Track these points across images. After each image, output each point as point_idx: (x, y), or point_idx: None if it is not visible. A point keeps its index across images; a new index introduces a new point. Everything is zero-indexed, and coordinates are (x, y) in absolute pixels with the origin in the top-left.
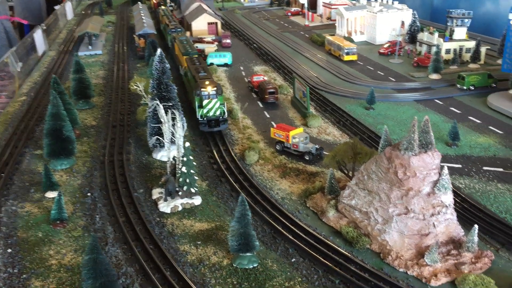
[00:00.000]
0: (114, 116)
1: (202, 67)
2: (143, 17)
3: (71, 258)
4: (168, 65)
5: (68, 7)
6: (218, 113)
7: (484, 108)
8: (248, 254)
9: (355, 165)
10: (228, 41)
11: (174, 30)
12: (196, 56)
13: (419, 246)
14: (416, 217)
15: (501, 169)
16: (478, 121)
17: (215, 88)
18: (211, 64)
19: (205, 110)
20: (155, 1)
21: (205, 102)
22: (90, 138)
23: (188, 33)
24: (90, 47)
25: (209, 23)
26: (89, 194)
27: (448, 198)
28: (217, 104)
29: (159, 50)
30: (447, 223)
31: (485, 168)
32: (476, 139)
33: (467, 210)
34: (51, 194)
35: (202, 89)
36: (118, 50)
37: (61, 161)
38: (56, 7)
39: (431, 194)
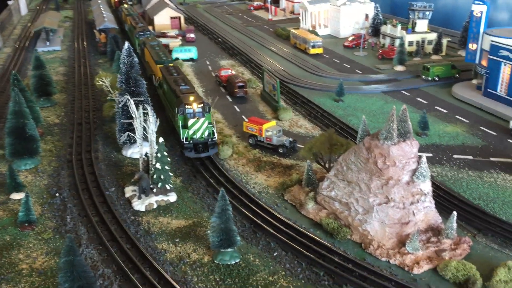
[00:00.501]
0: (78, 114)
1: (182, 78)
2: (103, 12)
3: (42, 262)
4: (136, 59)
5: (22, 2)
6: (206, 134)
7: (449, 98)
8: (230, 249)
9: (331, 156)
10: (192, 35)
11: (142, 33)
12: (172, 64)
13: (400, 234)
14: (397, 206)
15: (470, 157)
16: (445, 111)
17: (202, 105)
18: (177, 59)
19: (190, 132)
20: None
21: (190, 122)
22: (54, 137)
23: (150, 28)
24: (48, 43)
25: (171, 18)
26: (57, 194)
27: (426, 186)
28: (205, 124)
29: (126, 43)
30: (426, 211)
31: (455, 156)
32: (444, 128)
33: (442, 198)
34: (17, 196)
35: (186, 106)
36: (78, 46)
37: (25, 161)
38: (10, 2)
39: (410, 182)
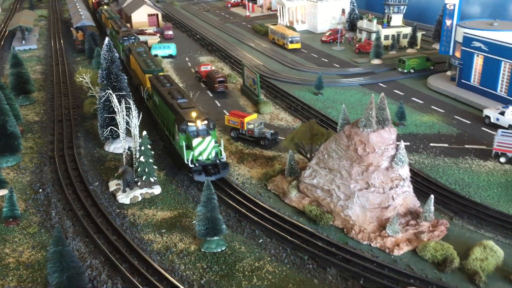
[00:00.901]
0: (58, 111)
1: (177, 90)
2: (80, 10)
3: (29, 255)
4: (117, 54)
5: None
6: (213, 155)
7: (424, 89)
8: (216, 238)
9: (312, 146)
10: (170, 32)
11: (126, 38)
12: (163, 73)
13: (380, 218)
14: (377, 191)
15: (446, 145)
16: (421, 102)
17: (206, 122)
18: (156, 55)
19: (196, 153)
20: (94, 0)
21: (195, 142)
22: (35, 134)
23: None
24: (23, 41)
25: (149, 15)
26: (40, 190)
27: (405, 171)
28: (211, 144)
29: (107, 39)
30: (404, 196)
31: (431, 144)
32: (421, 118)
33: (420, 183)
34: (0, 192)
35: (189, 124)
36: (54, 45)
37: (6, 158)
38: None
39: (390, 168)
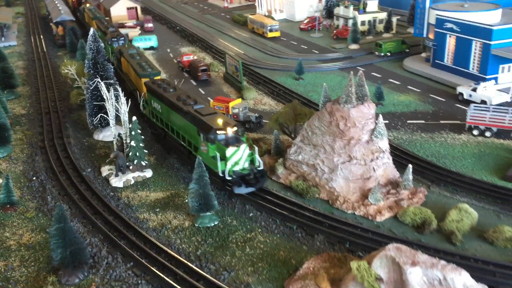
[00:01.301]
0: (45, 104)
1: (185, 94)
2: (58, 5)
3: (29, 238)
4: (102, 44)
5: None
6: (247, 164)
7: (401, 71)
8: (209, 213)
9: (296, 126)
10: (151, 25)
11: (115, 39)
12: (160, 77)
13: (362, 189)
14: (358, 163)
15: (423, 121)
16: (398, 83)
17: (236, 128)
18: (137, 48)
19: (229, 164)
20: None
21: (229, 151)
22: (23, 126)
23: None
24: (3, 38)
25: (128, 8)
26: (34, 178)
27: (384, 143)
28: (246, 152)
29: (92, 29)
30: (385, 167)
31: (409, 121)
32: (398, 98)
33: (399, 157)
34: None
35: (218, 132)
36: (34, 40)
37: None
38: None
39: (370, 141)
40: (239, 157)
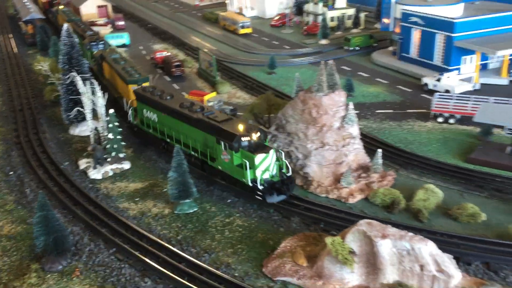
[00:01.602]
0: (18, 101)
1: (188, 100)
2: (26, 3)
3: (9, 229)
4: (77, 40)
5: None
6: (275, 170)
7: (369, 64)
8: (188, 200)
9: (270, 116)
10: (122, 23)
11: (95, 44)
12: (148, 83)
13: (335, 173)
14: (331, 148)
15: (391, 111)
16: (367, 75)
17: (259, 133)
18: (109, 45)
19: (259, 171)
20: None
21: (258, 159)
22: None
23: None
24: None
25: (98, 6)
26: (11, 173)
27: (355, 130)
28: (274, 158)
29: (65, 25)
30: (356, 152)
31: (377, 111)
32: (367, 89)
33: (369, 143)
34: None
35: (242, 139)
36: (3, 40)
37: None
38: None
39: (341, 127)
40: (268, 164)
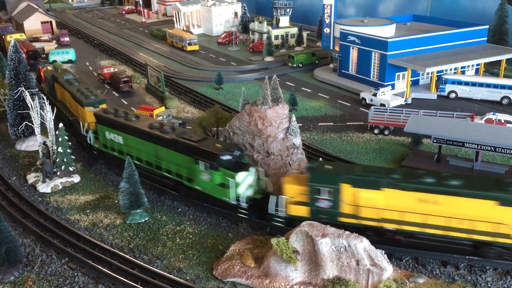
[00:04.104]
0: None
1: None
2: None
3: None
4: (23, 55)
5: None
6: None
7: (312, 80)
8: (139, 210)
9: (218, 129)
10: (67, 39)
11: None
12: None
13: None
14: (276, 158)
15: (332, 123)
16: (309, 90)
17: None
18: (54, 61)
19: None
20: None
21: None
22: None
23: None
24: None
25: (42, 22)
26: None
27: (297, 140)
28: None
29: (13, 40)
30: (299, 161)
31: (320, 124)
32: (310, 103)
33: (312, 153)
34: None
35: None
36: None
37: None
38: None
39: (285, 138)
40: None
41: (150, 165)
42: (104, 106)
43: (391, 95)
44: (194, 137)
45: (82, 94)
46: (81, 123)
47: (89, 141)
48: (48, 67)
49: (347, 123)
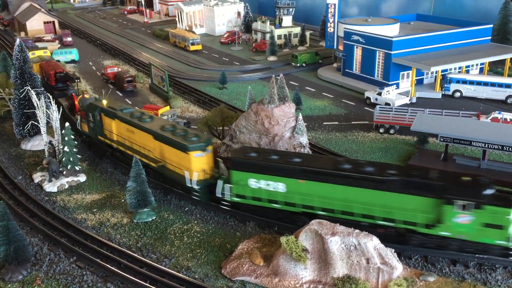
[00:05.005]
0: None
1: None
2: None
3: None
4: (29, 54)
5: None
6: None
7: (315, 79)
8: (146, 209)
9: (223, 128)
10: (70, 39)
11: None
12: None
13: None
14: None
15: (336, 123)
16: (313, 90)
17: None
18: (58, 61)
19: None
20: None
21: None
22: None
23: (23, 34)
24: None
25: (45, 22)
26: None
27: (304, 139)
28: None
29: (18, 40)
30: None
31: (324, 123)
32: (314, 103)
33: (318, 153)
34: None
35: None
36: None
37: None
38: None
39: (292, 137)
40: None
41: (347, 214)
42: (210, 148)
43: (396, 94)
44: (431, 174)
45: (176, 134)
46: (187, 173)
47: (220, 195)
48: (85, 94)
49: (352, 122)
